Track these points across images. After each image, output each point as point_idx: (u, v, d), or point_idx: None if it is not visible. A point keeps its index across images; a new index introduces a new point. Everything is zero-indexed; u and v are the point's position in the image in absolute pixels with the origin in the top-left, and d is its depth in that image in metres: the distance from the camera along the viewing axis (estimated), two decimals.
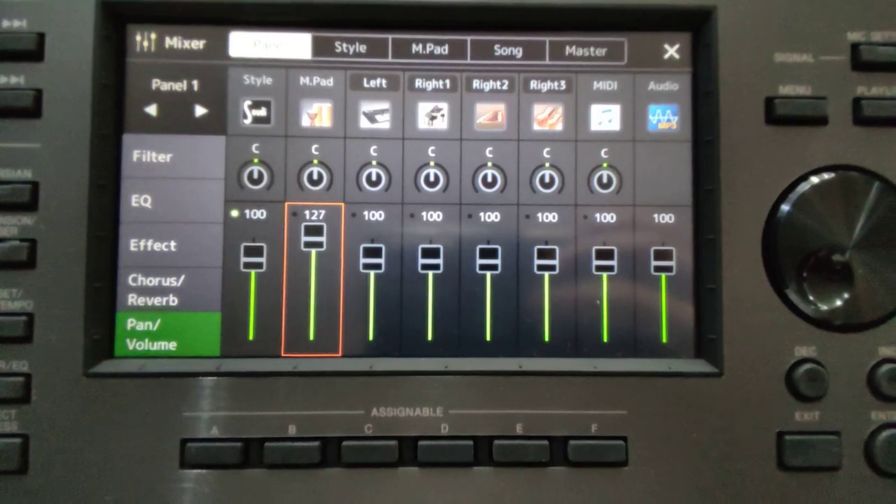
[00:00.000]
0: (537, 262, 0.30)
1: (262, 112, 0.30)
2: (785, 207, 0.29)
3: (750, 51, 0.30)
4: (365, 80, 0.30)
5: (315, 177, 0.30)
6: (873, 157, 0.30)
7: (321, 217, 0.30)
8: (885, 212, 0.29)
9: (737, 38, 0.30)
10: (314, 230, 0.30)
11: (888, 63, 0.30)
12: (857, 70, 0.30)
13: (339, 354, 0.29)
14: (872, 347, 0.29)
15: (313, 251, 0.30)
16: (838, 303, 0.29)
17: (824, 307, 0.29)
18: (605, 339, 0.30)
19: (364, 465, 0.28)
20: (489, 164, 0.31)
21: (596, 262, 0.30)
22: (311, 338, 0.29)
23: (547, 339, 0.30)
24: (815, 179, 0.29)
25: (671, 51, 0.31)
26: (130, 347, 0.29)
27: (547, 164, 0.31)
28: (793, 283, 0.29)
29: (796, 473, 0.28)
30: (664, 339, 0.30)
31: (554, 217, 0.30)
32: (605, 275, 0.30)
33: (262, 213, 0.30)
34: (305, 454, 0.27)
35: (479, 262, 0.30)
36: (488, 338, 0.30)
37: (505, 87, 0.31)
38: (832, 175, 0.29)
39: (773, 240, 0.29)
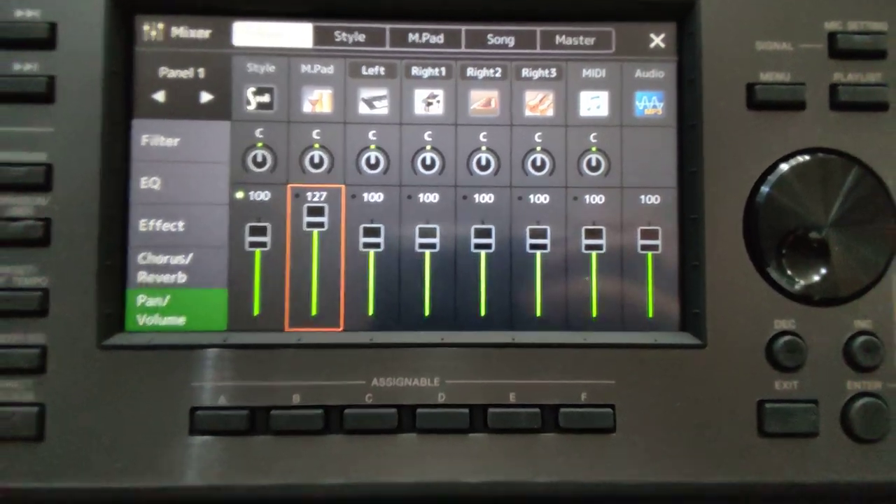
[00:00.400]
0: (529, 241, 0.32)
1: (266, 98, 0.31)
2: (765, 188, 0.31)
3: (732, 39, 0.31)
4: (364, 68, 0.32)
5: (316, 160, 0.31)
6: (848, 141, 0.31)
7: (322, 198, 0.31)
8: (860, 192, 0.31)
9: (719, 27, 0.31)
10: (316, 211, 0.31)
11: (863, 51, 0.31)
12: (834, 58, 0.31)
13: (341, 328, 0.31)
14: (848, 320, 0.30)
15: (315, 231, 0.31)
16: (816, 278, 0.30)
17: (802, 282, 0.30)
18: (594, 314, 0.32)
19: (365, 431, 0.29)
20: (483, 147, 0.32)
21: (585, 241, 0.32)
22: (314, 313, 0.31)
23: (539, 314, 0.31)
24: (793, 162, 0.31)
25: (657, 40, 0.33)
26: (140, 323, 0.30)
27: (538, 148, 0.32)
28: (772, 259, 0.30)
29: (776, 440, 0.30)
30: (650, 314, 0.32)
31: (545, 198, 0.32)
32: (594, 253, 0.32)
33: (265, 195, 0.31)
34: (309, 421, 0.29)
35: (474, 241, 0.32)
36: (483, 313, 0.31)
37: (498, 75, 0.32)
38: (809, 157, 0.31)
39: (753, 219, 0.31)
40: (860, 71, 0.31)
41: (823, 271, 0.30)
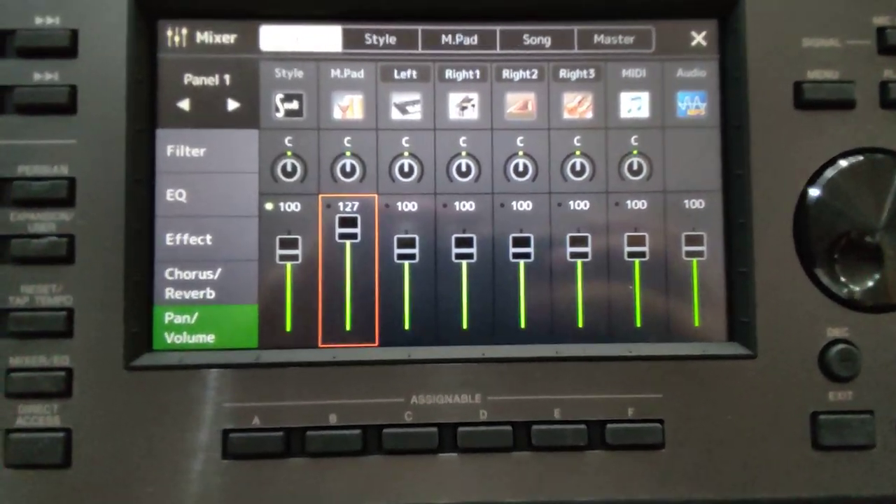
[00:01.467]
0: (570, 249, 0.31)
1: (294, 105, 0.30)
2: (814, 190, 0.30)
3: (777, 36, 0.30)
4: (395, 72, 0.30)
5: (348, 169, 0.30)
6: None
7: (355, 209, 0.30)
8: None
9: (764, 24, 0.30)
10: (348, 222, 0.30)
11: None
12: (884, 54, 0.30)
13: (376, 344, 0.30)
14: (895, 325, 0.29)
15: (348, 242, 0.30)
16: (869, 283, 0.29)
17: (856, 288, 0.29)
18: (638, 324, 0.30)
19: (405, 451, 0.28)
20: (520, 153, 0.31)
21: (628, 249, 0.31)
22: (348, 328, 0.30)
23: (581, 325, 0.30)
24: (843, 162, 0.30)
25: (698, 38, 0.31)
26: (169, 341, 0.29)
27: (578, 153, 0.31)
28: (824, 264, 0.29)
29: (831, 452, 0.29)
30: (696, 323, 0.31)
31: (585, 205, 0.31)
32: (637, 261, 0.31)
33: (296, 206, 0.30)
34: (347, 442, 0.28)
35: (513, 250, 0.30)
36: (523, 325, 0.30)
37: (534, 77, 0.31)
38: (860, 158, 0.30)
39: (803, 222, 0.29)
40: None
41: (877, 276, 0.29)
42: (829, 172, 0.30)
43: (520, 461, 0.29)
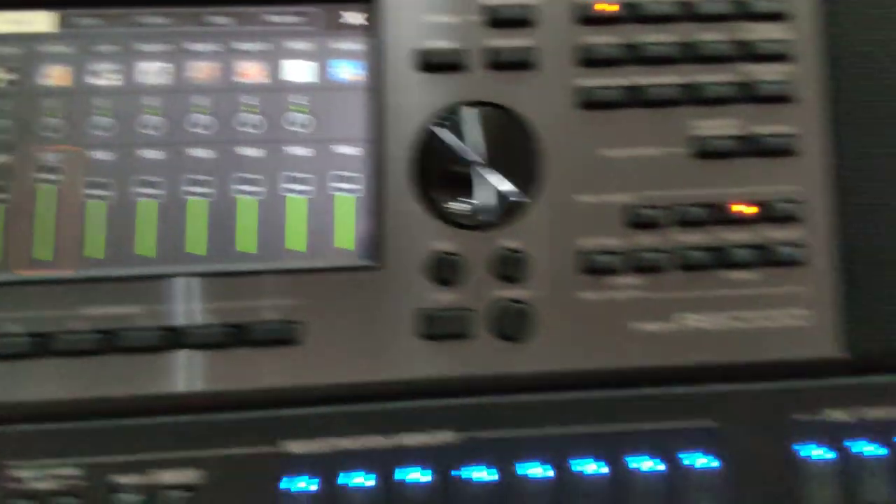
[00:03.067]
0: (238, 187, 0.37)
1: (14, 77, 0.37)
2: (430, 132, 0.37)
3: (408, 16, 0.38)
4: (100, 47, 0.38)
5: (53, 126, 0.37)
6: (503, 95, 0.38)
7: (58, 161, 0.37)
8: (510, 136, 0.37)
9: (398, 7, 0.38)
10: (50, 170, 0.37)
11: (510, 20, 0.38)
12: (489, 27, 0.38)
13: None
14: (498, 241, 0.36)
15: (52, 186, 0.37)
16: (467, 207, 0.36)
17: (457, 210, 0.36)
18: (305, 249, 0.37)
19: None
20: (204, 111, 0.38)
21: (287, 186, 0.38)
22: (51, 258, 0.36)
23: (255, 250, 0.37)
24: (457, 111, 0.37)
25: (352, 18, 0.39)
26: None
27: (255, 110, 0.38)
28: (434, 191, 0.36)
29: (435, 342, 0.36)
30: (352, 247, 0.37)
31: (258, 152, 0.38)
32: (300, 196, 0.37)
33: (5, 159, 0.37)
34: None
35: (187, 188, 0.37)
36: (204, 252, 0.37)
37: (218, 49, 0.38)
38: (471, 108, 0.37)
39: (421, 157, 0.37)
40: (509, 37, 0.38)
41: (475, 202, 0.36)
42: (444, 118, 0.37)
43: (191, 357, 0.35)
